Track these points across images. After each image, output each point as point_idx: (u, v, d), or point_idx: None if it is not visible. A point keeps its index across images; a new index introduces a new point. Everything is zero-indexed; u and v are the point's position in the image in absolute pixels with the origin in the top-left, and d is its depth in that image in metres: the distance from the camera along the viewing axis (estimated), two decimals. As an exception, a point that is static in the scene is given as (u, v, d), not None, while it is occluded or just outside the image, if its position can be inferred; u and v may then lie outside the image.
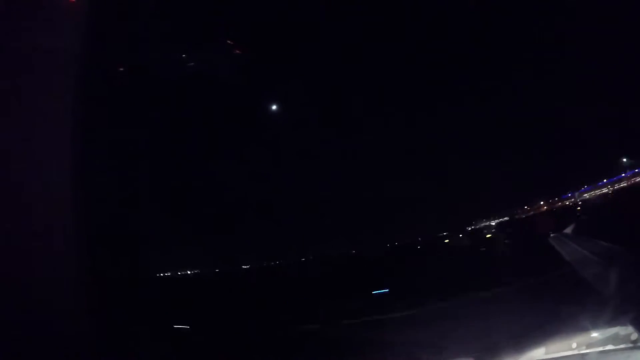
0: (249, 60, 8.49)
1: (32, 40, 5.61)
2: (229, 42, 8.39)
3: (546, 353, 4.96)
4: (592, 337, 4.97)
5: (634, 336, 4.76)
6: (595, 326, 5.06)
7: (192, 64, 8.30)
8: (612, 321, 5.05)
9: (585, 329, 5.09)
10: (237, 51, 8.44)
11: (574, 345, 4.89)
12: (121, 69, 7.78)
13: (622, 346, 4.74)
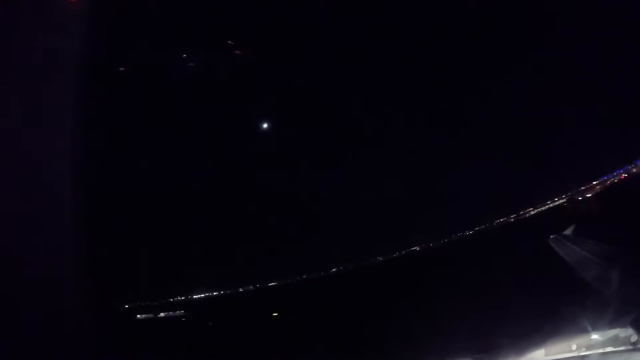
0: (249, 60, 8.46)
1: (32, 40, 5.61)
2: (229, 42, 8.37)
3: (545, 355, 4.97)
4: (592, 338, 4.97)
5: (634, 338, 4.77)
6: (595, 328, 5.06)
7: (193, 64, 8.29)
8: (612, 323, 5.05)
9: (585, 331, 5.09)
10: (237, 51, 8.42)
11: (574, 346, 4.90)
12: (121, 69, 7.77)
13: (622, 348, 4.75)
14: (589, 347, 4.86)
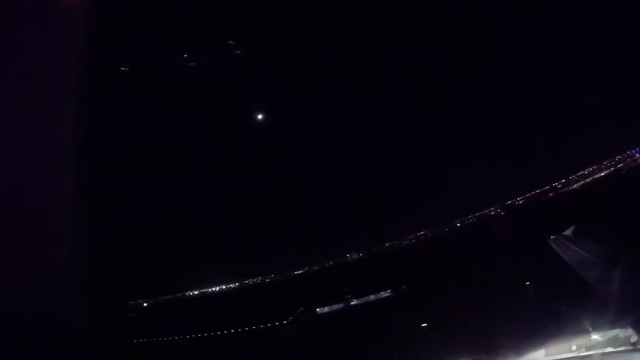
0: (249, 60, 8.46)
1: (32, 40, 5.60)
2: (229, 42, 8.37)
3: (546, 355, 4.98)
4: (592, 339, 4.98)
5: (634, 338, 4.77)
6: (595, 328, 5.06)
7: (193, 64, 8.29)
8: (612, 323, 5.05)
9: (585, 331, 5.09)
10: (237, 51, 8.42)
11: (574, 347, 4.91)
12: (121, 69, 7.77)
13: (621, 348, 4.76)
14: (589, 348, 4.86)
